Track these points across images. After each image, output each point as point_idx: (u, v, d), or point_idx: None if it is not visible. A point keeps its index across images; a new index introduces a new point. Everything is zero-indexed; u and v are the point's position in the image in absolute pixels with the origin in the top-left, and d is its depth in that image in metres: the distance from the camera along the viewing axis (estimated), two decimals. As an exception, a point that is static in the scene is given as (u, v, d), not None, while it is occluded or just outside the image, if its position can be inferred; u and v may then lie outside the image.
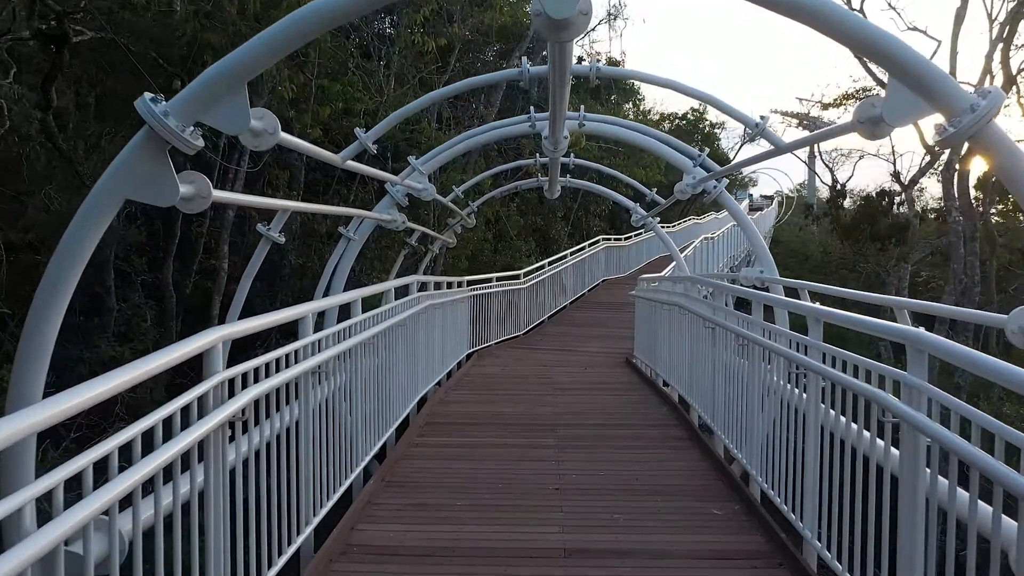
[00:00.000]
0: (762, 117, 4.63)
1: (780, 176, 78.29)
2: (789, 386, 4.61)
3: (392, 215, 7.54)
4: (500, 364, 11.97)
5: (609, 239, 22.49)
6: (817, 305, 4.23)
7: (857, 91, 20.40)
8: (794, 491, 4.31)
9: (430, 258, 11.58)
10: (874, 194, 21.65)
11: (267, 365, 3.53)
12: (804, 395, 4.45)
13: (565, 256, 18.39)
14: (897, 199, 20.26)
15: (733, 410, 5.84)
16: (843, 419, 3.65)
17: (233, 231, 9.55)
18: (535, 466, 5.85)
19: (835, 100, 21.24)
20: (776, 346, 4.40)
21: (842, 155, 47.54)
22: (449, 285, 10.73)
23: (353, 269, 10.54)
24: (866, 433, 3.43)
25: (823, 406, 3.97)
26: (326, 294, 7.16)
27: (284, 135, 3.54)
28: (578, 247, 19.90)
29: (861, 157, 49.80)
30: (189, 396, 2.80)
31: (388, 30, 13.66)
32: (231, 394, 3.23)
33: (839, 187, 25.98)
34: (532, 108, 6.96)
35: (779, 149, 4.57)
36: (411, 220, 10.69)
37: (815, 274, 23.44)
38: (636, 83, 25.75)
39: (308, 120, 9.32)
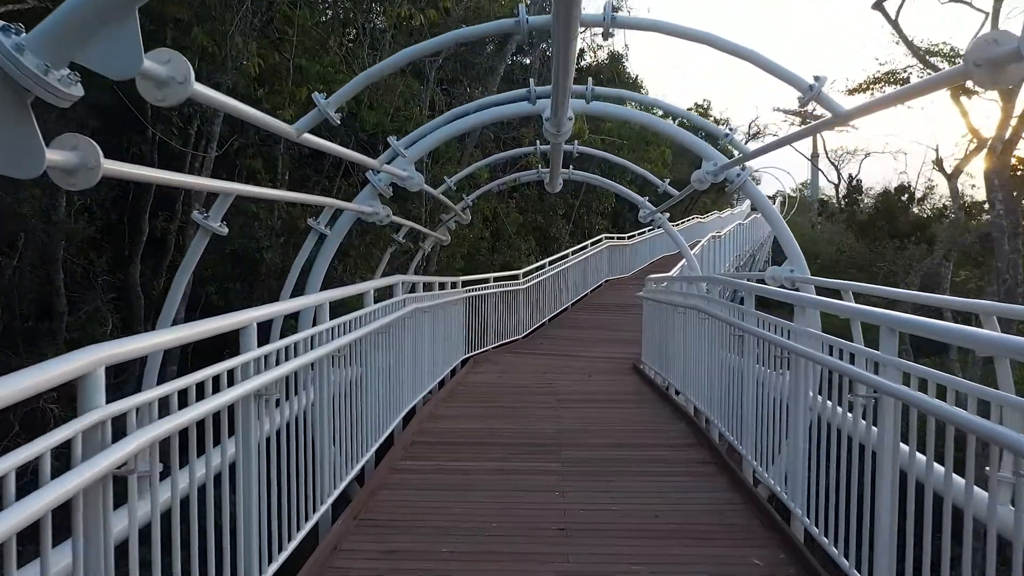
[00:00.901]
0: (817, 78, 3.78)
1: (783, 175, 77.60)
2: (840, 411, 3.76)
3: (374, 207, 6.67)
4: (497, 371, 11.11)
5: (612, 238, 21.62)
6: (893, 312, 3.36)
7: (886, 74, 19.40)
8: (859, 542, 3.44)
9: (421, 257, 10.71)
10: (892, 189, 20.68)
11: (181, 393, 2.67)
12: (863, 422, 3.61)
13: (567, 255, 17.52)
14: (918, 194, 19.30)
15: (768, 432, 4.99)
16: (938, 466, 2.80)
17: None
18: (536, 499, 4.98)
19: (861, 85, 20.19)
20: (846, 367, 3.51)
21: (847, 153, 46.82)
22: (442, 286, 9.87)
23: (335, 268, 9.70)
24: (980, 491, 2.58)
25: (904, 447, 3.11)
26: (297, 295, 6.29)
27: (201, 88, 2.68)
28: (580, 246, 19.03)
29: (867, 155, 49.10)
30: (38, 445, 1.94)
31: (380, 24, 12.80)
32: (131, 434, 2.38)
33: (855, 182, 25.02)
34: (532, 80, 6.12)
35: (837, 117, 3.71)
36: (399, 215, 9.82)
37: (825, 273, 22.55)
38: (639, 76, 24.88)
39: (285, 101, 8.43)
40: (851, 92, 19.28)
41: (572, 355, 12.85)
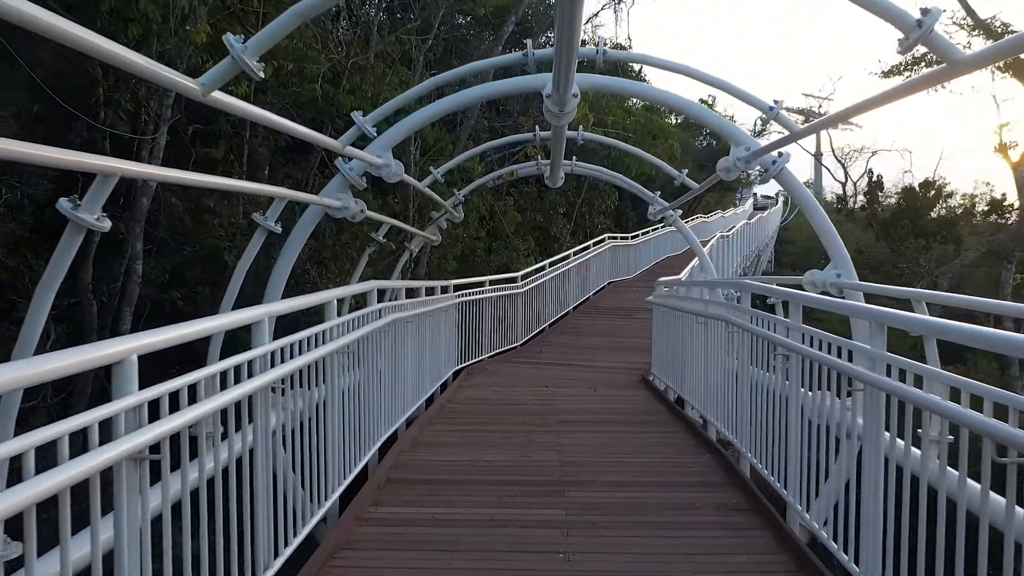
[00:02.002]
0: (925, 11, 2.77)
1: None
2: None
3: (343, 200, 5.65)
4: (493, 384, 10.09)
5: (615, 237, 20.59)
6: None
7: (923, 55, 18.09)
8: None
9: (409, 259, 9.68)
10: (916, 186, 19.55)
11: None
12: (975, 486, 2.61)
13: (568, 256, 16.51)
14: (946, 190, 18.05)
15: (822, 475, 3.99)
16: None
17: (152, 223, 7.65)
18: (536, 565, 3.96)
19: (896, 67, 18.78)
20: (985, 420, 2.48)
21: (855, 150, 45.84)
22: (430, 291, 8.85)
23: (309, 273, 8.69)
24: None
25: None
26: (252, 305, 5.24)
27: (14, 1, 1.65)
28: (582, 246, 18.01)
29: (874, 153, 48.20)
30: None
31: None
32: None
33: (876, 178, 23.89)
34: (529, 43, 5.11)
35: (956, 66, 2.70)
36: (382, 211, 8.79)
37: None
38: (642, 68, 23.85)
39: (241, 79, 7.39)
40: (886, 75, 18.06)
41: (575, 364, 11.83)
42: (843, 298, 5.70)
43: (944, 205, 20.06)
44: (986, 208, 19.37)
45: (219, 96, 2.93)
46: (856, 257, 22.07)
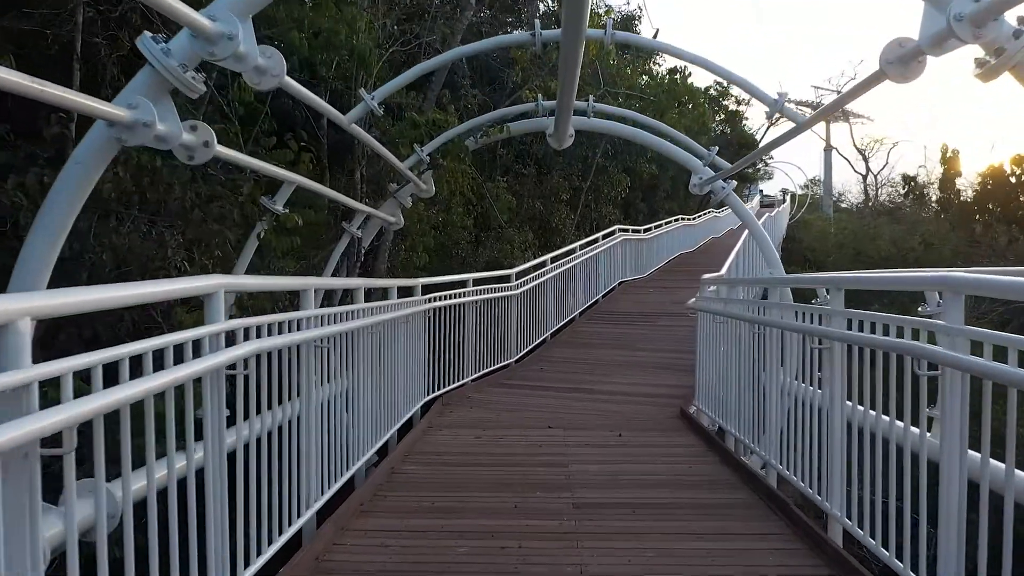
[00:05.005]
0: None
1: (793, 171, 74.90)
2: None
3: (141, 111, 2.78)
4: (475, 422, 7.25)
5: (627, 230, 17.74)
6: None
7: None
8: None
9: (355, 247, 6.75)
10: (1002, 165, 16.67)
11: None
12: None
13: (574, 250, 13.65)
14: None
15: None
16: None
17: None
18: None
19: None
20: None
21: (875, 141, 43.16)
22: (384, 293, 6.03)
23: (174, 261, 5.72)
24: None
25: None
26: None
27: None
28: (591, 238, 15.18)
29: (895, 144, 45.52)
30: None
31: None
32: None
33: (953, 152, 20.96)
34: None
35: None
36: (308, 175, 5.89)
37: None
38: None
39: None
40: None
41: (586, 390, 8.99)
42: None
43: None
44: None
45: None
46: (924, 253, 19.02)
